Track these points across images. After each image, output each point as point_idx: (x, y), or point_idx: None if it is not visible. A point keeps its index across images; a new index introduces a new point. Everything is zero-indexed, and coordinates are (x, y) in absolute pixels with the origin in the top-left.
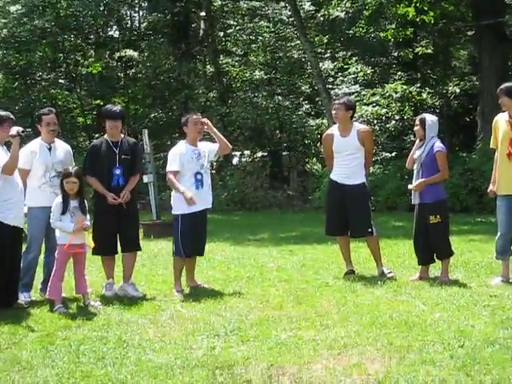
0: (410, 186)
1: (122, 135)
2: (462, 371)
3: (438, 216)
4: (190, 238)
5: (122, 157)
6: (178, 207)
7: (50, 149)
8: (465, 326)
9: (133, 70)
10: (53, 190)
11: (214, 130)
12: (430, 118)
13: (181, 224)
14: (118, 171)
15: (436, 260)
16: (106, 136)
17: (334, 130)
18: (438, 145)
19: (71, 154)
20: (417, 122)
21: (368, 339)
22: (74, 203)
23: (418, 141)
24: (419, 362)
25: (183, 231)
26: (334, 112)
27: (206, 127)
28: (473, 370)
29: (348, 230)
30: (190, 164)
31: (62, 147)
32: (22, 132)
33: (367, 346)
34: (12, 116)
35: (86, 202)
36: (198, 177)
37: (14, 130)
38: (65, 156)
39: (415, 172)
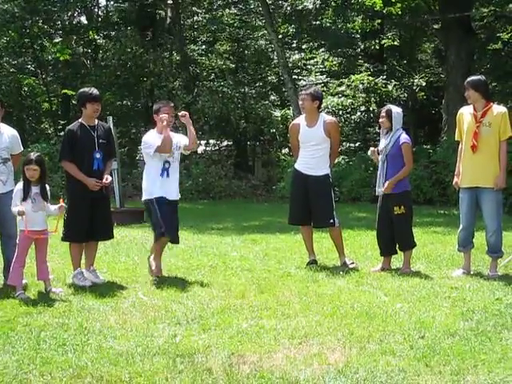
0: (379, 191)
1: (96, 120)
2: (422, 362)
3: (403, 207)
4: (169, 220)
5: (100, 141)
6: (152, 191)
7: None
8: (425, 317)
9: (99, 57)
10: None
11: (191, 125)
12: (396, 110)
13: (158, 207)
14: (98, 155)
15: (398, 251)
16: (81, 120)
17: (301, 120)
18: (404, 136)
19: (18, 138)
20: (383, 114)
21: (329, 329)
22: (35, 189)
23: (382, 132)
24: (379, 352)
25: (162, 212)
26: (300, 102)
27: (183, 119)
28: (432, 361)
29: (309, 220)
30: (157, 153)
31: (8, 132)
32: None
33: (328, 335)
34: None
35: (47, 187)
36: (166, 165)
37: None
38: (10, 141)
39: (380, 163)
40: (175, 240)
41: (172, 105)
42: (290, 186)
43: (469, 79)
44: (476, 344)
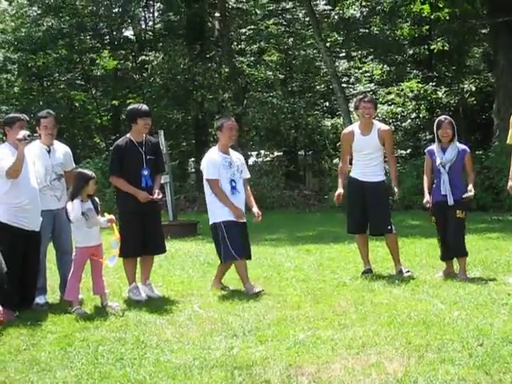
0: (450, 201)
1: (144, 135)
2: (481, 370)
3: (464, 212)
4: (238, 240)
5: (148, 157)
6: (219, 215)
7: (49, 151)
8: (483, 324)
9: (148, 71)
10: (53, 192)
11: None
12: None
13: (225, 231)
14: (145, 172)
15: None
16: (129, 136)
17: (355, 127)
18: (464, 146)
19: (71, 155)
20: (448, 125)
21: (386, 338)
22: (87, 205)
23: (438, 145)
24: (438, 360)
25: (229, 236)
26: (361, 111)
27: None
28: (492, 369)
29: (367, 228)
30: (223, 171)
31: (61, 149)
32: (29, 136)
33: (385, 345)
34: (23, 117)
35: (98, 201)
36: (233, 184)
37: (21, 134)
38: (64, 158)
39: (444, 175)
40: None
41: (233, 120)
42: (347, 195)
43: None
44: None
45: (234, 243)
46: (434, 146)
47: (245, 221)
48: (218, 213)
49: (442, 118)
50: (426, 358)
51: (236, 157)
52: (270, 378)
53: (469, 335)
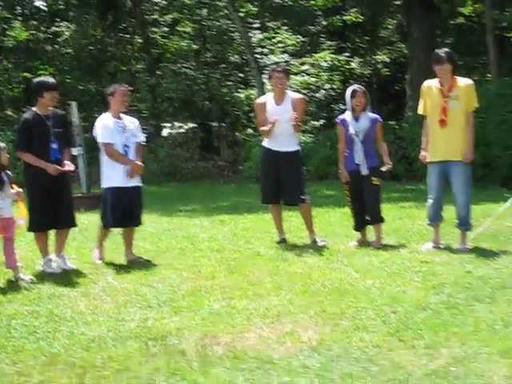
0: (384, 168)
1: (50, 108)
2: (395, 336)
3: (379, 178)
4: (121, 210)
5: (55, 130)
6: (108, 181)
7: None
8: (397, 292)
9: (60, 42)
10: None
11: None
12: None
13: (110, 198)
14: (54, 145)
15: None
16: (35, 109)
17: (268, 97)
18: (376, 115)
19: None
20: (361, 94)
21: (301, 307)
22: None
23: (351, 114)
24: (352, 328)
25: (112, 204)
26: (274, 81)
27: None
28: (405, 336)
29: (281, 198)
30: (116, 136)
31: None
32: None
33: (300, 314)
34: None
35: (10, 174)
36: (125, 149)
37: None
38: None
39: (358, 144)
40: (125, 224)
41: (126, 86)
42: (260, 165)
43: (444, 52)
44: (448, 317)
45: (115, 211)
46: (346, 115)
47: (138, 184)
48: (107, 179)
49: (356, 87)
50: (340, 326)
51: (129, 121)
52: (184, 348)
53: (382, 303)
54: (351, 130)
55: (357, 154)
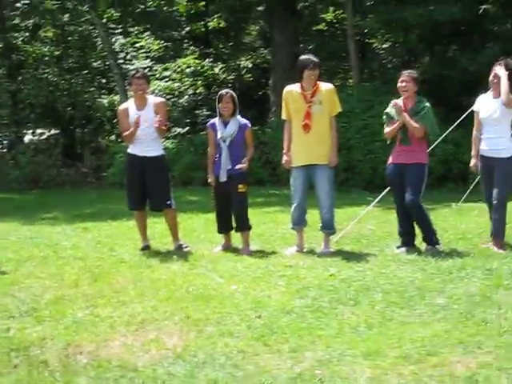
0: (239, 166)
1: None
2: (260, 341)
3: (246, 185)
4: None
5: None
6: None
7: None
8: (261, 296)
9: None
10: None
11: None
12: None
13: None
14: None
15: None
16: None
17: (130, 104)
18: (246, 121)
19: None
20: (228, 99)
21: (165, 314)
22: None
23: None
24: (217, 334)
25: None
26: (134, 87)
27: None
28: (270, 340)
29: (146, 204)
30: None
31: None
32: None
33: (165, 320)
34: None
35: None
36: None
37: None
38: None
39: (225, 149)
40: None
41: None
42: (126, 171)
43: (311, 59)
44: (312, 320)
45: None
46: (217, 120)
47: None
48: None
49: (223, 91)
50: (205, 332)
51: None
52: (47, 358)
53: (247, 308)
54: (219, 135)
55: (222, 160)
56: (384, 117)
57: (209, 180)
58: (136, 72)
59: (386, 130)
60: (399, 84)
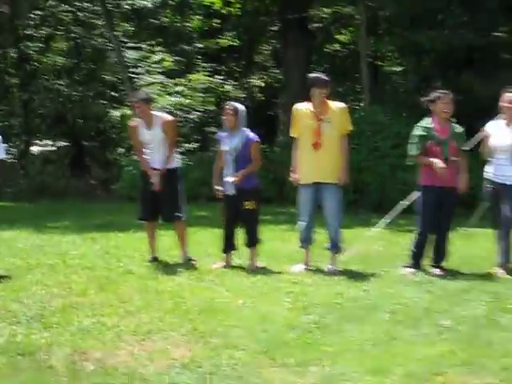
0: (229, 179)
1: None
2: (266, 354)
3: (253, 202)
4: None
5: None
6: None
7: None
8: (267, 311)
9: None
10: None
11: None
12: (241, 108)
13: None
14: None
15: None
16: None
17: (140, 121)
18: (253, 135)
19: None
20: (228, 111)
21: (172, 325)
22: None
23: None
24: (223, 346)
25: None
26: (136, 110)
27: None
28: (275, 354)
29: (158, 215)
30: None
31: None
32: None
33: (171, 331)
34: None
35: None
36: None
37: None
38: None
39: (231, 163)
40: None
41: None
42: (140, 182)
43: (321, 76)
44: (319, 337)
45: None
46: (224, 132)
47: None
48: None
49: (226, 103)
50: (211, 344)
51: None
52: (54, 363)
53: (253, 322)
54: (226, 148)
55: (228, 173)
56: (416, 140)
57: (214, 188)
58: (136, 94)
59: (415, 153)
60: (445, 108)
